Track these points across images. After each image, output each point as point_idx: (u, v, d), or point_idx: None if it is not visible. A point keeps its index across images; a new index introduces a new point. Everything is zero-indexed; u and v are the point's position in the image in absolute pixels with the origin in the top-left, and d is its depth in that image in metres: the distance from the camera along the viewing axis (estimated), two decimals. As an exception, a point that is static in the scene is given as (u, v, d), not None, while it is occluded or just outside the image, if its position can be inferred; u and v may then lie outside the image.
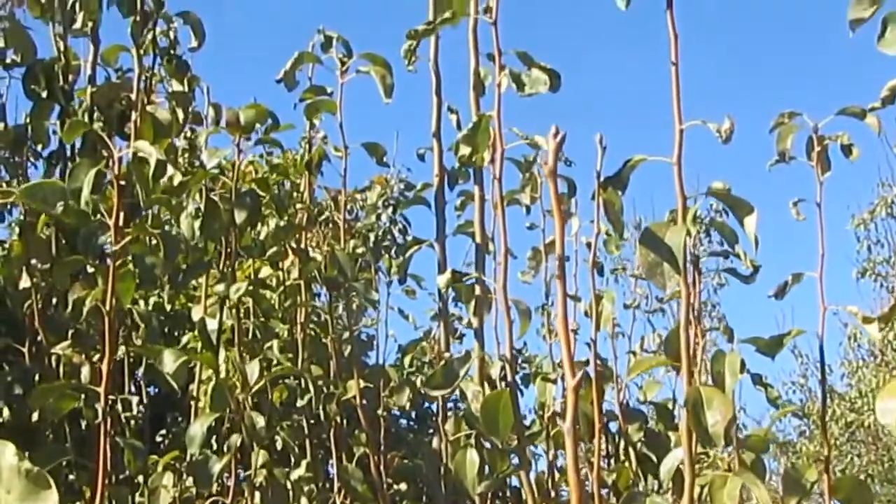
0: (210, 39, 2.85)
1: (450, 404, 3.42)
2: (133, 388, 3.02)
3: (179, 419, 4.06)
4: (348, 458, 2.84)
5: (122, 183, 2.06)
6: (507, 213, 2.21)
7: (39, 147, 2.86)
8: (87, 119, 2.74)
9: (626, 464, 2.69)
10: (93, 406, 2.23)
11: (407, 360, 3.51)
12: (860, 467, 11.81)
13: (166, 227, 2.63)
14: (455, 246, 2.63)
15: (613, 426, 2.78)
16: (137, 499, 2.57)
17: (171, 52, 2.96)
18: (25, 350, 2.68)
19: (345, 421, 2.91)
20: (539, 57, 2.14)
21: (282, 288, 3.02)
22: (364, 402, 2.75)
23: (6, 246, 2.90)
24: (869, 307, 11.05)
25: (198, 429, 2.37)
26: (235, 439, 2.44)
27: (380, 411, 2.96)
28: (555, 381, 2.74)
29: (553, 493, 2.82)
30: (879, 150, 11.15)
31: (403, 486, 3.11)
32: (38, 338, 2.63)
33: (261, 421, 2.45)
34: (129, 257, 2.21)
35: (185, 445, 2.40)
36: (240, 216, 2.57)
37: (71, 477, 2.58)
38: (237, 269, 2.72)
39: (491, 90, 2.23)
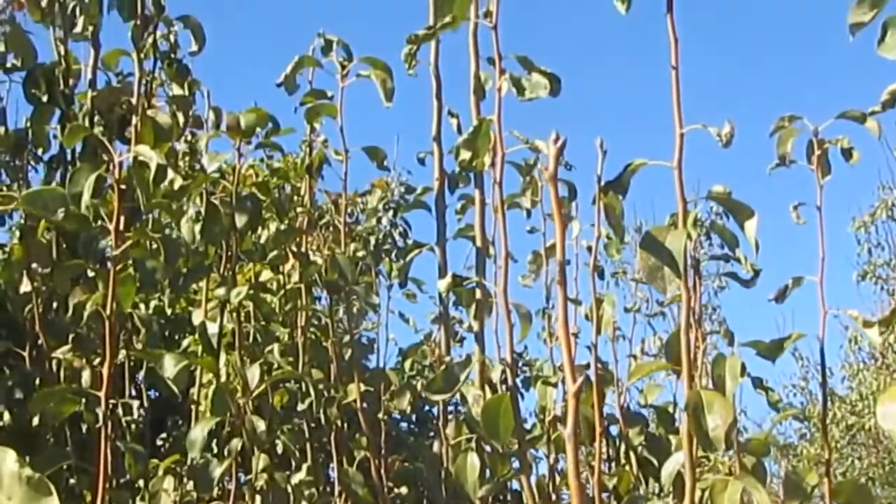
0: (210, 43, 2.85)
1: (450, 408, 3.43)
2: (134, 392, 3.01)
3: (180, 423, 4.06)
4: (349, 462, 2.84)
5: (123, 187, 2.06)
6: (508, 217, 2.21)
7: (40, 151, 2.86)
8: (87, 123, 2.75)
9: (627, 467, 2.69)
10: (93, 410, 2.23)
11: (407, 364, 3.53)
12: (861, 470, 11.80)
13: (167, 231, 2.62)
14: (456, 249, 2.64)
15: (614, 430, 2.78)
16: (138, 503, 2.56)
17: (172, 55, 2.95)
18: (26, 354, 2.68)
19: (345, 424, 2.91)
20: (539, 61, 2.14)
21: (282, 291, 3.02)
22: (365, 405, 2.75)
23: (7, 250, 2.90)
24: (869, 310, 11.05)
25: (198, 433, 2.38)
26: (236, 443, 2.44)
27: (380, 415, 2.96)
28: (555, 385, 2.74)
29: (554, 497, 2.82)
30: (879, 154, 11.18)
31: (404, 490, 3.12)
32: (39, 342, 2.63)
33: (261, 425, 2.46)
34: (130, 261, 2.21)
35: (185, 449, 2.40)
36: (240, 220, 2.57)
37: (72, 481, 2.57)
38: (238, 273, 2.72)
39: (491, 94, 2.23)
